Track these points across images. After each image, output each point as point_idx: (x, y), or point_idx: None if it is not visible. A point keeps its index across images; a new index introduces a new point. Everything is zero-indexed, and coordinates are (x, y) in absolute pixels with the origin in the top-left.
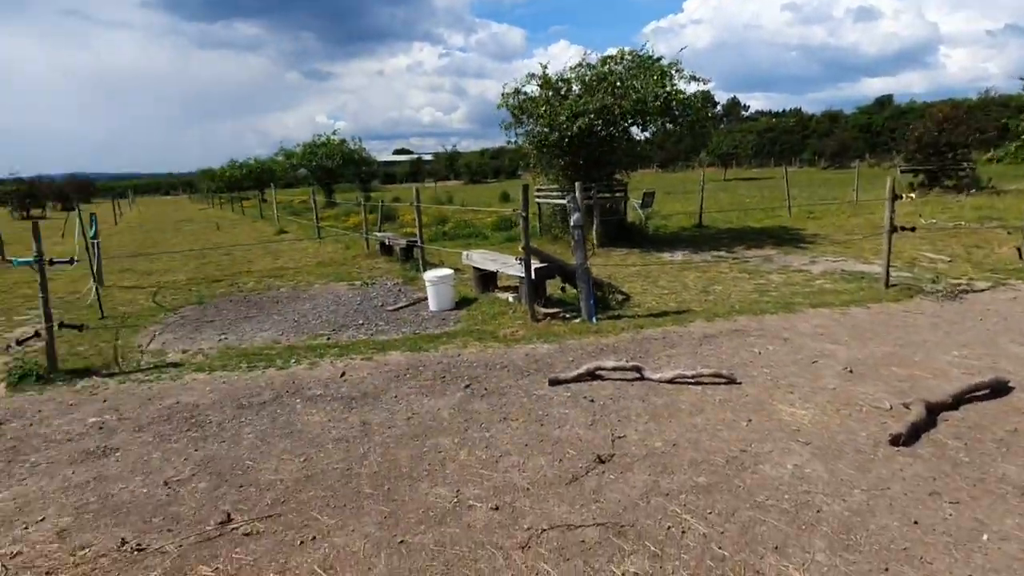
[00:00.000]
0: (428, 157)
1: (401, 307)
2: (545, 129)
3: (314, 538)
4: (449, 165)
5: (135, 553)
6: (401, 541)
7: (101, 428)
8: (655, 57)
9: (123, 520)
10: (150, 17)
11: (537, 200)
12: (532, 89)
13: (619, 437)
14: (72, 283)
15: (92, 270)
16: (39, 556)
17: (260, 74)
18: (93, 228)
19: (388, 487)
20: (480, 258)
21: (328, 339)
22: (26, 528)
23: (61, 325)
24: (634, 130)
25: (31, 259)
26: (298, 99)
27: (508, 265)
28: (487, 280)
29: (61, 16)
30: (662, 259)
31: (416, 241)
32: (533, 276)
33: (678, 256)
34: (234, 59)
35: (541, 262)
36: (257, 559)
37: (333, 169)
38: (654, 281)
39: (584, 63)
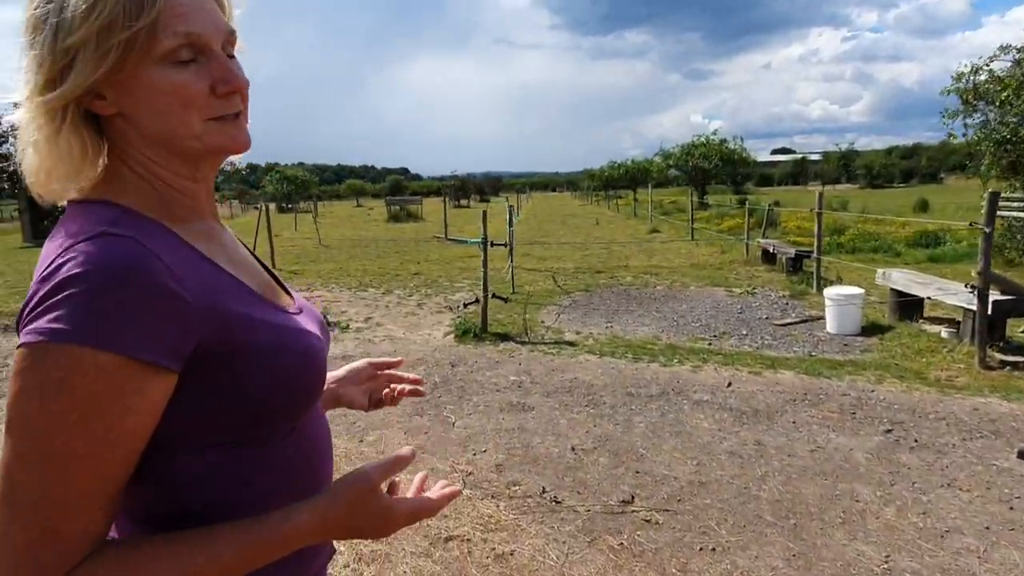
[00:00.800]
0: (815, 157)
1: (790, 323)
2: (1014, 120)
3: (714, 549)
4: (842, 166)
5: (553, 503)
6: None
7: (519, 387)
8: None
9: (541, 471)
10: (557, 37)
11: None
12: (1002, 67)
13: None
14: (491, 260)
15: (509, 252)
16: (484, 480)
17: (643, 78)
18: (512, 217)
19: (794, 522)
20: (903, 279)
21: (709, 344)
22: (474, 454)
23: (493, 296)
24: None
25: (478, 240)
26: (675, 100)
27: (947, 292)
28: (909, 307)
29: (492, 44)
30: None
31: (809, 252)
32: (989, 310)
33: None
34: (621, 67)
35: (1003, 293)
36: (658, 549)
37: (707, 170)
38: None
39: None
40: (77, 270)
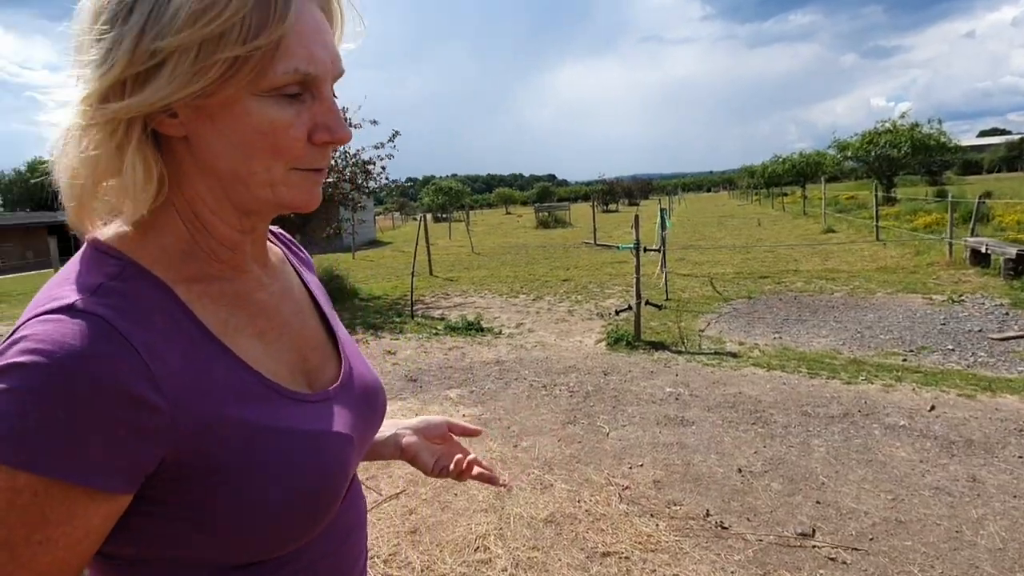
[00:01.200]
0: None
1: (1013, 337)
2: None
3: None
4: None
5: (719, 529)
6: None
7: (676, 399)
8: None
9: (704, 491)
10: (709, 28)
11: None
12: None
13: None
14: (643, 265)
15: (662, 257)
16: (641, 496)
17: (810, 63)
18: (664, 221)
19: None
20: None
21: (904, 360)
22: (630, 468)
23: (646, 303)
24: None
25: (631, 245)
26: (850, 84)
27: None
28: None
29: (639, 43)
30: None
31: None
32: None
33: None
34: (782, 52)
35: None
36: None
37: (896, 159)
38: None
39: None
40: (22, 359)
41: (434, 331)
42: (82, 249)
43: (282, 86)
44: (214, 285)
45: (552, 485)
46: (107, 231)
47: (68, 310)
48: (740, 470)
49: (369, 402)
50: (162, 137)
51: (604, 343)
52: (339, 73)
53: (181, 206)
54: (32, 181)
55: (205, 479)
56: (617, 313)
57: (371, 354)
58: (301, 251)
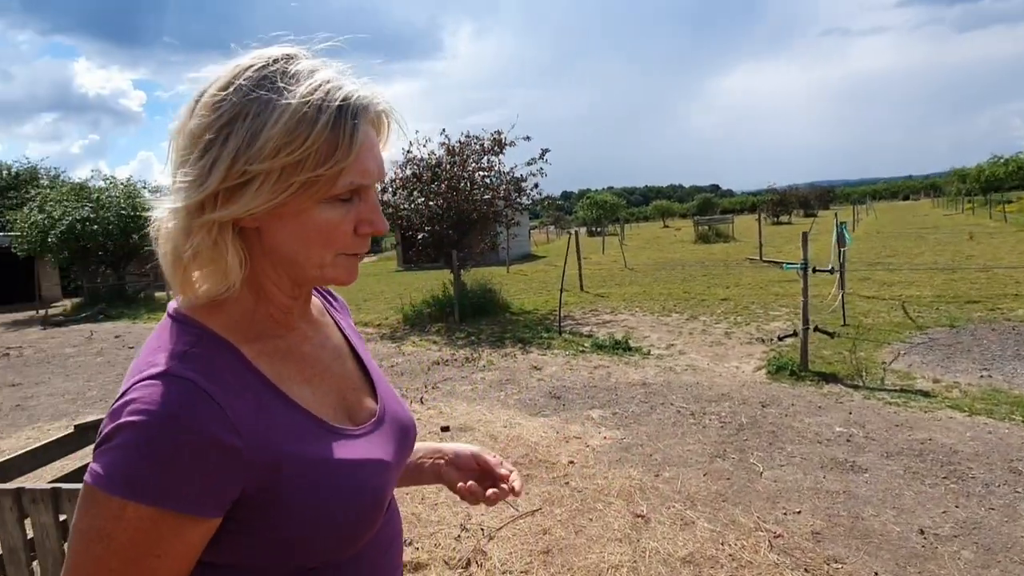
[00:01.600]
0: None
1: None
2: None
3: None
4: None
5: None
6: None
7: (848, 440)
8: None
9: (874, 551)
10: (906, 15)
11: None
12: None
13: None
14: (815, 286)
15: (839, 277)
16: (796, 548)
17: None
18: (844, 236)
19: None
20: None
21: None
22: (785, 514)
23: (815, 329)
24: None
25: (798, 264)
26: None
27: None
28: None
29: (819, 38)
30: None
31: None
32: None
33: None
34: (1004, 34)
35: None
36: None
37: None
38: None
39: None
40: (131, 418)
41: (581, 348)
42: (164, 321)
43: (339, 195)
44: (270, 343)
45: (694, 522)
46: (183, 303)
47: (163, 376)
48: (922, 531)
49: (403, 432)
50: (243, 228)
51: (764, 371)
52: (383, 177)
53: (250, 280)
54: None
55: (274, 503)
56: (780, 339)
57: (518, 368)
58: (337, 300)
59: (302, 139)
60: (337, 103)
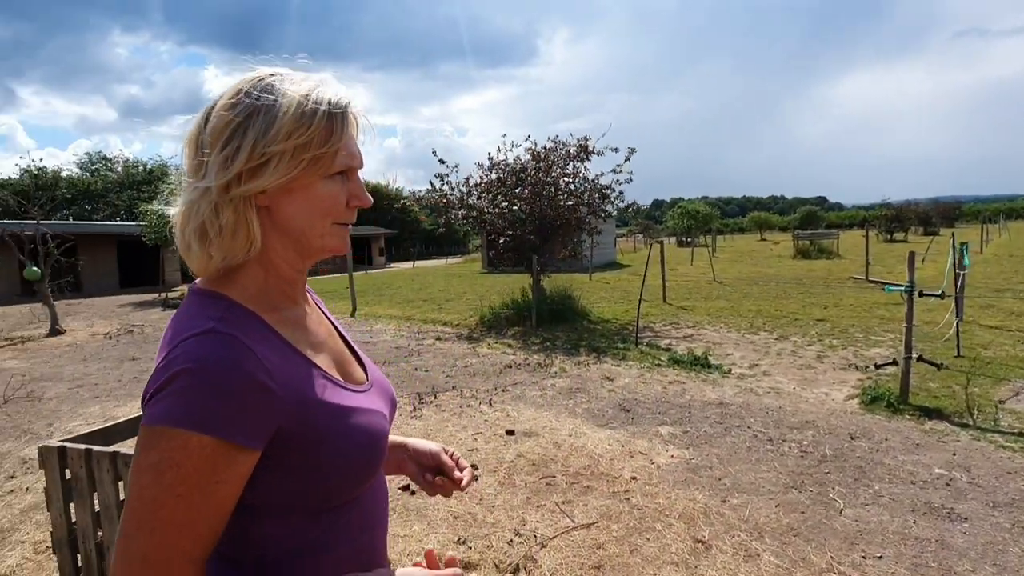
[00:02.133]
0: None
1: None
2: None
3: None
4: None
5: None
6: None
7: (948, 485)
8: None
9: None
10: None
11: None
12: None
13: None
14: (927, 311)
15: (954, 303)
16: None
17: None
18: (963, 257)
19: None
20: None
21: None
22: (864, 558)
23: (920, 358)
24: None
25: (903, 287)
26: None
27: None
28: None
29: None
30: None
31: None
32: None
33: None
34: None
35: None
36: None
37: None
38: None
39: None
40: (188, 365)
41: (657, 361)
42: (190, 297)
43: (335, 171)
44: (282, 313)
45: (759, 555)
46: (202, 282)
47: (209, 332)
48: None
49: (390, 399)
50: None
51: (857, 400)
52: (363, 163)
53: (260, 256)
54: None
55: (303, 442)
56: (879, 366)
57: (589, 377)
58: (315, 296)
59: (307, 125)
60: (328, 99)
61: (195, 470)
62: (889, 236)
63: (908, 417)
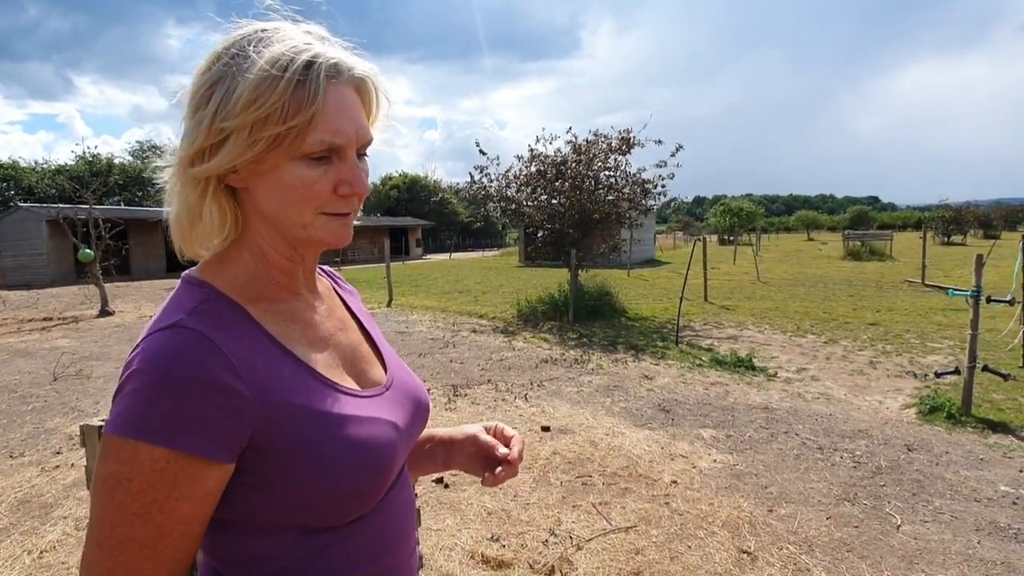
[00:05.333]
0: None
1: None
2: None
3: None
4: None
5: None
6: None
7: (1015, 503)
8: None
9: None
10: None
11: None
12: None
13: None
14: (989, 318)
15: (1020, 310)
16: None
17: None
18: None
19: None
20: None
21: None
22: None
23: (985, 368)
24: None
25: (968, 292)
26: None
27: None
28: None
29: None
30: None
31: None
32: None
33: None
34: None
35: None
36: None
37: None
38: None
39: None
40: (142, 366)
41: (698, 361)
42: (178, 284)
43: (312, 153)
44: (274, 304)
45: (808, 570)
46: (194, 269)
47: (172, 327)
48: None
49: (415, 403)
50: (236, 189)
51: (914, 410)
52: (365, 141)
53: (247, 242)
54: (383, 193)
55: (282, 453)
56: (939, 375)
57: (627, 375)
58: (346, 285)
59: (267, 96)
60: (303, 62)
61: (149, 486)
62: (946, 239)
63: (970, 430)
